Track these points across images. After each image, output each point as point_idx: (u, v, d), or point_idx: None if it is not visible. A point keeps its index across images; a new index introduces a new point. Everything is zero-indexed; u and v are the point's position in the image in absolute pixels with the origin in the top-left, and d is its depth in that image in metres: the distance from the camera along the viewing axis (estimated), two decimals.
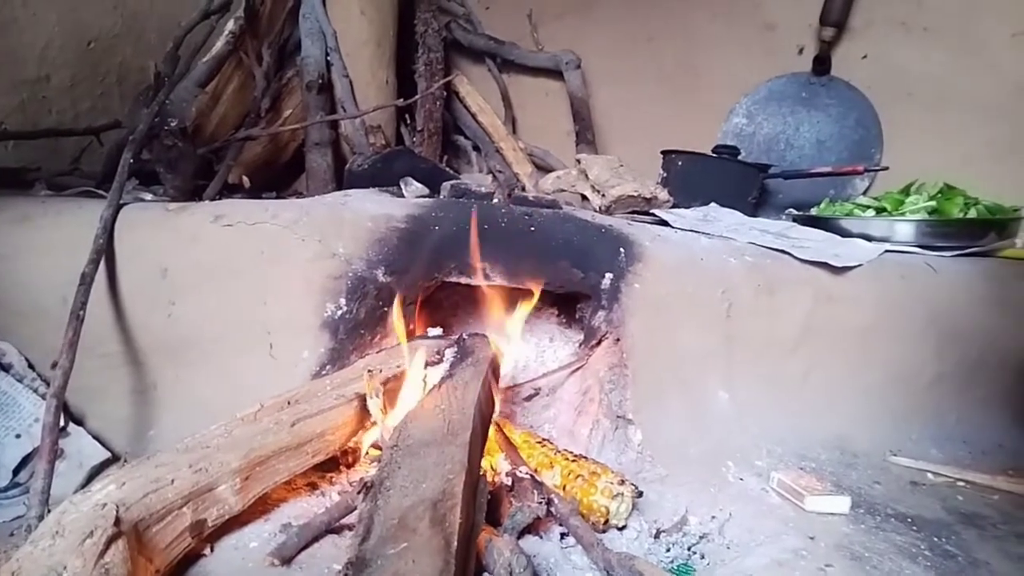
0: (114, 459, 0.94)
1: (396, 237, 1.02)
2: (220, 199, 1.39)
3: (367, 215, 1.03)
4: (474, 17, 2.07)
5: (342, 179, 1.60)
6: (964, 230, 1.30)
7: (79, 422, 0.96)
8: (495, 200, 1.41)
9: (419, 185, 1.25)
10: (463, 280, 1.06)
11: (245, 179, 1.47)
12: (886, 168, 1.54)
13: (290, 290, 0.97)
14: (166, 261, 0.97)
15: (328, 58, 1.67)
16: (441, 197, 1.40)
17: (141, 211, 1.01)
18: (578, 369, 1.12)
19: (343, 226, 1.00)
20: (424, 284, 1.04)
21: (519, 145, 1.90)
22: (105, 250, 0.96)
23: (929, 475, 1.08)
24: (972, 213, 1.33)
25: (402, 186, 1.25)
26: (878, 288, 1.17)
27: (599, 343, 1.08)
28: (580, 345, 1.13)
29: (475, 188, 1.43)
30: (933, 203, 1.35)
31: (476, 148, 2.00)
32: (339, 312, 0.98)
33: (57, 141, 1.45)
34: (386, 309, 1.00)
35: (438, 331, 1.06)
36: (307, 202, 1.06)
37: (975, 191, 1.39)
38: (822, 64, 1.71)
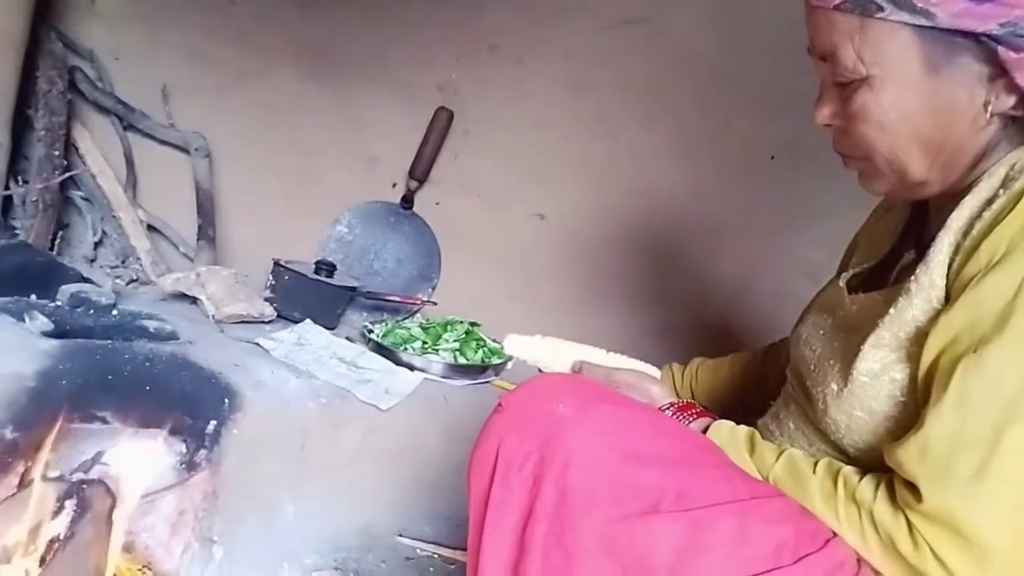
0: None
1: (26, 397, 1.21)
2: None
3: None
4: (103, 71, 2.09)
5: None
6: (474, 369, 1.91)
7: None
8: (114, 313, 1.62)
9: (43, 319, 1.39)
10: (86, 426, 1.29)
11: None
12: (435, 303, 2.12)
13: None
14: None
15: None
16: (60, 305, 1.55)
17: None
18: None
19: None
20: (50, 433, 1.24)
21: (139, 216, 2.03)
22: None
23: (418, 551, 1.65)
24: (480, 354, 1.95)
25: (27, 320, 1.38)
26: (406, 420, 1.70)
27: (197, 473, 1.40)
28: (182, 465, 1.44)
29: (95, 299, 1.61)
30: (458, 344, 1.95)
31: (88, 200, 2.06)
32: None
33: None
34: (10, 460, 1.19)
35: (56, 473, 1.26)
36: None
37: (492, 327, 2.03)
38: (407, 202, 2.21)
